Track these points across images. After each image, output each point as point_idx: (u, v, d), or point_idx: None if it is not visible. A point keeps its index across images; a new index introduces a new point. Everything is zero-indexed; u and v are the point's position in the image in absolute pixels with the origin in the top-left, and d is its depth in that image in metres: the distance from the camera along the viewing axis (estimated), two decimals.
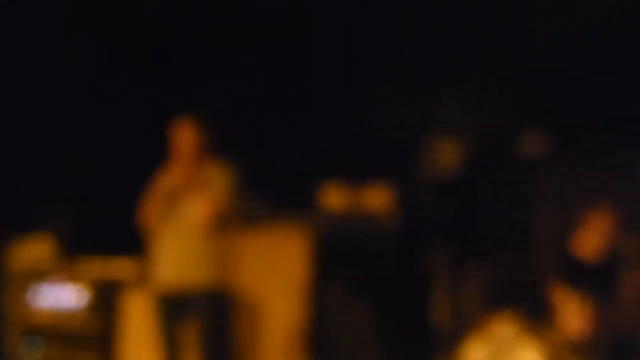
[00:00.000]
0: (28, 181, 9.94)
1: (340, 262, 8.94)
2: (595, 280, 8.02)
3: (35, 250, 9.02)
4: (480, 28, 9.91)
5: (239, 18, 10.03)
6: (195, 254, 6.89)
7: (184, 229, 6.86)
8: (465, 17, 9.93)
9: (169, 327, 6.89)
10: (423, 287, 8.67)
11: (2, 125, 9.72)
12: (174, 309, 6.85)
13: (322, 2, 10.20)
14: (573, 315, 7.71)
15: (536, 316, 7.84)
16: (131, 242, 9.12)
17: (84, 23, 9.95)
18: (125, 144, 9.70)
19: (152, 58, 9.90)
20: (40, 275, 8.76)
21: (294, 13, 10.09)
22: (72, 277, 8.69)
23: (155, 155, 7.22)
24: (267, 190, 9.13)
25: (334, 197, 9.18)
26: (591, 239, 8.15)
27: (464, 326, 8.06)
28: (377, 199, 9.08)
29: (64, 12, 9.84)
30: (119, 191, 9.53)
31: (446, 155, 9.71)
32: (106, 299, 8.61)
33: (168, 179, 6.90)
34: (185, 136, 6.89)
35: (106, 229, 9.54)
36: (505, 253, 9.17)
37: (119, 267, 8.83)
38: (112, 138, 9.81)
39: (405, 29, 10.03)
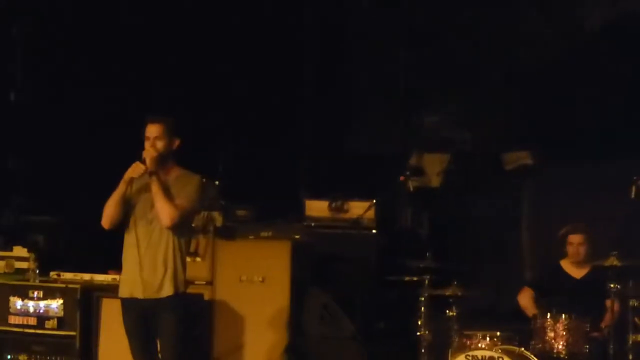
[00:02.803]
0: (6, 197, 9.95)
1: (322, 274, 8.91)
2: (579, 295, 8.03)
3: (14, 262, 8.99)
4: (467, 44, 9.91)
5: (227, 35, 10.03)
6: (159, 258, 6.83)
7: (149, 232, 6.82)
8: (451, 33, 9.93)
9: (137, 332, 6.83)
10: (405, 301, 8.64)
11: None
12: (140, 313, 6.79)
13: (307, 17, 10.19)
14: (557, 332, 7.69)
15: (520, 335, 7.81)
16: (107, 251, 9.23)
17: None
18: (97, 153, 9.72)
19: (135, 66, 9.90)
20: (19, 286, 8.71)
21: (279, 29, 10.09)
22: (50, 288, 8.64)
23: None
24: (251, 203, 9.11)
25: (317, 211, 9.15)
26: (573, 255, 8.19)
27: (444, 344, 8.03)
28: (360, 212, 9.04)
29: None
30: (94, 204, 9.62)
31: (430, 169, 9.71)
32: (83, 307, 8.57)
33: (131, 174, 6.82)
34: (152, 139, 6.83)
35: (81, 242, 9.57)
36: (489, 269, 9.18)
37: (96, 277, 8.79)
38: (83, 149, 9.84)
39: (391, 44, 10.03)
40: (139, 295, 6.78)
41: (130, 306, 6.82)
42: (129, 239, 6.86)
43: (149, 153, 6.74)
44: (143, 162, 6.73)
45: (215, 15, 10.03)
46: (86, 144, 9.94)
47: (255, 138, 9.93)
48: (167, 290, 6.79)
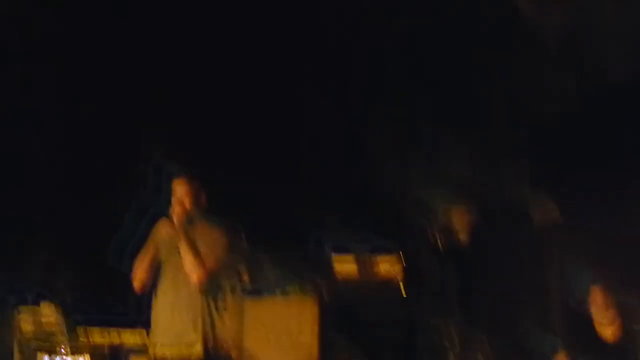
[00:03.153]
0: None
1: (349, 331, 8.87)
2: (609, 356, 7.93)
3: (42, 318, 9.01)
4: (489, 91, 9.89)
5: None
6: (189, 318, 6.80)
7: (179, 292, 6.79)
8: (472, 80, 9.91)
9: None
10: (435, 356, 8.61)
11: None
12: None
13: (322, 55, 10.18)
14: None
15: None
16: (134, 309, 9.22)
17: None
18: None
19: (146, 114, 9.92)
20: (47, 343, 8.73)
21: (293, 69, 10.08)
22: (77, 345, 8.66)
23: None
24: (276, 260, 9.09)
25: (343, 267, 9.13)
26: (599, 315, 8.07)
27: None
28: (386, 267, 9.02)
29: None
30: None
31: (455, 221, 9.66)
32: None
33: (160, 235, 6.79)
34: (180, 195, 6.80)
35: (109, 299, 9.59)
36: (518, 321, 9.11)
37: (123, 334, 8.80)
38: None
39: (410, 91, 10.02)
40: (170, 352, 6.74)
41: None
42: (159, 299, 6.81)
43: (177, 213, 6.70)
44: (170, 220, 6.70)
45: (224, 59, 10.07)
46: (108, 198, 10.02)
47: (275, 187, 9.91)
48: (199, 351, 6.74)
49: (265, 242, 9.04)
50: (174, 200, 6.78)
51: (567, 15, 9.66)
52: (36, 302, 9.22)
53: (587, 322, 8.16)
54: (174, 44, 9.78)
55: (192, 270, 6.67)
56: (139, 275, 6.75)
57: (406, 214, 9.40)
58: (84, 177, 9.97)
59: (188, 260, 6.67)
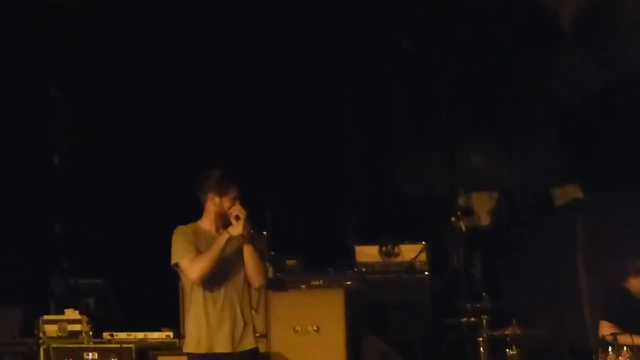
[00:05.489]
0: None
1: (377, 321, 8.82)
2: None
3: (67, 324, 9.01)
4: (514, 80, 9.87)
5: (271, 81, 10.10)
6: (242, 315, 6.83)
7: (230, 288, 6.85)
8: (496, 70, 9.89)
9: None
10: (461, 344, 8.54)
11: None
12: None
13: (347, 59, 10.20)
14: None
15: None
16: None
17: None
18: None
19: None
20: (74, 349, 8.72)
21: (321, 70, 10.11)
22: (105, 349, 8.64)
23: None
24: (299, 253, 9.07)
25: (367, 256, 9.08)
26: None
27: None
28: (411, 256, 8.97)
29: None
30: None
31: (480, 208, 9.63)
32: None
33: (221, 240, 6.86)
34: (230, 201, 6.89)
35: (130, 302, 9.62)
36: (545, 306, 9.06)
37: (149, 335, 8.79)
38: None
39: (433, 83, 10.00)
40: (220, 349, 6.77)
41: None
42: (207, 295, 6.85)
43: (243, 213, 6.78)
44: (237, 220, 6.78)
45: (260, 57, 10.09)
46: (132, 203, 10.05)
47: (300, 186, 9.91)
48: (249, 344, 6.82)
49: (288, 239, 9.08)
50: (235, 202, 6.84)
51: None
52: (61, 309, 9.24)
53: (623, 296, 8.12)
54: None
55: (260, 270, 6.85)
56: (205, 265, 6.76)
57: (430, 202, 9.38)
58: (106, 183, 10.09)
59: (255, 260, 6.82)
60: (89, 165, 10.24)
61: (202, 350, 6.84)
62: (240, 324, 6.83)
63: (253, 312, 7.02)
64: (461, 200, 9.70)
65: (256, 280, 6.86)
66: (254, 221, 6.87)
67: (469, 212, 9.57)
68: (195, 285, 6.82)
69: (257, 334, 7.03)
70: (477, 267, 9.61)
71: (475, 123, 9.80)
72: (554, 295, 9.33)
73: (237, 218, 6.78)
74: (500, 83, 9.84)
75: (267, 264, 8.74)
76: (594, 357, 7.73)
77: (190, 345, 6.91)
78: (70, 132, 10.25)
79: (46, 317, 9.11)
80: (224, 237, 6.80)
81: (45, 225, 10.13)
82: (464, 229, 8.87)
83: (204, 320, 6.85)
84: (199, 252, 6.81)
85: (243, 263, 6.89)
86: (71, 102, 10.16)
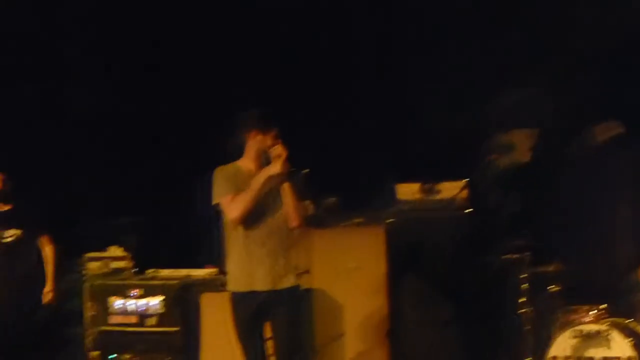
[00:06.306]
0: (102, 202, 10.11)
1: (417, 258, 8.85)
2: None
3: (111, 262, 9.10)
4: (549, 18, 9.77)
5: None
6: (282, 253, 6.93)
7: (271, 227, 6.90)
8: (533, 8, 9.79)
9: (252, 325, 6.90)
10: (501, 281, 8.56)
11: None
12: (256, 304, 6.87)
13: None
14: None
15: (623, 309, 7.70)
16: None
17: None
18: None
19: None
20: (118, 285, 8.82)
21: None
22: (150, 285, 8.73)
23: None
24: (339, 190, 9.08)
25: (408, 194, 9.07)
26: None
27: (546, 322, 7.94)
28: (452, 193, 8.95)
29: None
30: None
31: (520, 145, 9.58)
32: (184, 303, 8.65)
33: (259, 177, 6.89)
34: (271, 139, 6.90)
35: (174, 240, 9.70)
36: (585, 244, 9.02)
37: (193, 273, 8.86)
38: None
39: (470, 22, 9.92)
40: (263, 287, 6.86)
41: (245, 298, 6.88)
42: (249, 234, 6.90)
43: (284, 152, 6.80)
44: (277, 159, 6.81)
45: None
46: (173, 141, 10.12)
47: (340, 124, 9.91)
48: (290, 281, 6.93)
49: (331, 175, 9.10)
50: (277, 145, 6.85)
51: None
52: (103, 247, 9.32)
53: None
54: None
55: (297, 209, 6.90)
56: (245, 206, 6.84)
57: (470, 139, 9.34)
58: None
59: (293, 200, 6.88)
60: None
61: (243, 288, 6.94)
62: (280, 262, 6.91)
63: (294, 250, 7.07)
64: (501, 138, 9.65)
65: (294, 218, 6.92)
66: (294, 160, 6.90)
67: (508, 149, 9.53)
68: (235, 224, 6.88)
69: (299, 272, 7.10)
70: (518, 204, 9.59)
71: (516, 60, 9.71)
72: (594, 233, 9.31)
73: (278, 157, 6.81)
74: (543, 24, 9.75)
75: (307, 202, 8.82)
76: (630, 296, 7.77)
77: (232, 283, 7.00)
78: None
79: (90, 254, 9.22)
80: (262, 177, 6.84)
81: (87, 163, 10.21)
82: (504, 166, 8.84)
83: (244, 259, 6.93)
84: (238, 191, 6.86)
85: (282, 202, 6.94)
86: None
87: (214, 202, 6.96)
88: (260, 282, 6.90)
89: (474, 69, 9.76)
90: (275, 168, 6.83)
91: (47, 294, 9.01)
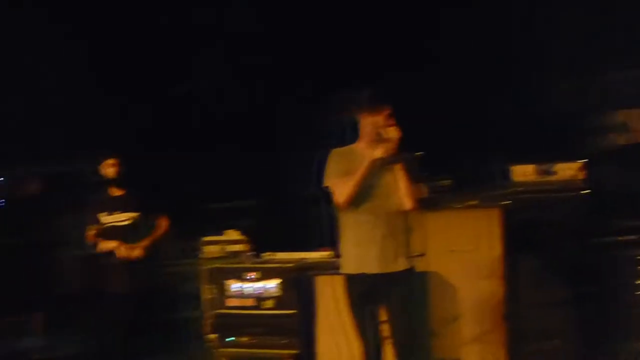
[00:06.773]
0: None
1: (533, 240, 8.77)
2: None
3: (227, 246, 9.18)
4: None
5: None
6: (392, 237, 6.93)
7: (384, 209, 6.89)
8: None
9: (365, 307, 6.92)
10: (617, 262, 8.44)
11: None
12: (371, 286, 6.89)
13: None
14: None
15: None
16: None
17: None
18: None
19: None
20: (235, 269, 8.91)
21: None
22: (266, 269, 8.80)
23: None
24: (453, 172, 9.04)
25: (523, 176, 8.99)
26: None
27: None
28: (568, 174, 8.85)
29: None
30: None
31: (637, 125, 9.42)
32: (297, 286, 8.71)
33: (371, 159, 6.86)
34: (384, 119, 6.87)
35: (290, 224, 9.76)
36: None
37: (308, 255, 8.91)
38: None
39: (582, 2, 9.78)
40: (374, 270, 6.88)
41: (359, 281, 6.90)
42: (360, 217, 6.91)
43: (397, 134, 6.77)
44: (388, 141, 6.78)
45: None
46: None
47: (453, 106, 9.86)
48: (401, 265, 6.91)
49: (445, 157, 9.07)
50: (391, 127, 6.83)
51: None
52: (220, 230, 9.41)
53: None
54: None
55: (407, 195, 6.88)
56: (351, 190, 6.86)
57: (587, 119, 9.22)
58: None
59: (407, 182, 6.87)
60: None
61: (354, 270, 6.95)
62: (391, 245, 6.88)
63: (407, 233, 7.04)
64: (619, 117, 9.51)
65: (407, 201, 6.89)
66: (406, 142, 6.88)
67: (625, 129, 9.39)
68: (342, 208, 6.89)
69: (414, 255, 7.07)
70: (635, 184, 9.44)
71: (626, 38, 9.54)
72: None
73: (388, 139, 6.76)
74: None
75: (422, 184, 8.79)
76: None
77: (344, 265, 7.04)
78: None
79: (207, 238, 9.34)
80: (367, 163, 6.81)
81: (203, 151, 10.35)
82: (622, 146, 8.71)
83: (354, 241, 6.95)
84: (349, 175, 6.86)
85: (395, 185, 6.92)
86: None
87: (324, 185, 6.99)
88: (370, 265, 6.91)
89: (586, 48, 9.64)
90: (378, 152, 6.79)
91: (133, 248, 8.81)
